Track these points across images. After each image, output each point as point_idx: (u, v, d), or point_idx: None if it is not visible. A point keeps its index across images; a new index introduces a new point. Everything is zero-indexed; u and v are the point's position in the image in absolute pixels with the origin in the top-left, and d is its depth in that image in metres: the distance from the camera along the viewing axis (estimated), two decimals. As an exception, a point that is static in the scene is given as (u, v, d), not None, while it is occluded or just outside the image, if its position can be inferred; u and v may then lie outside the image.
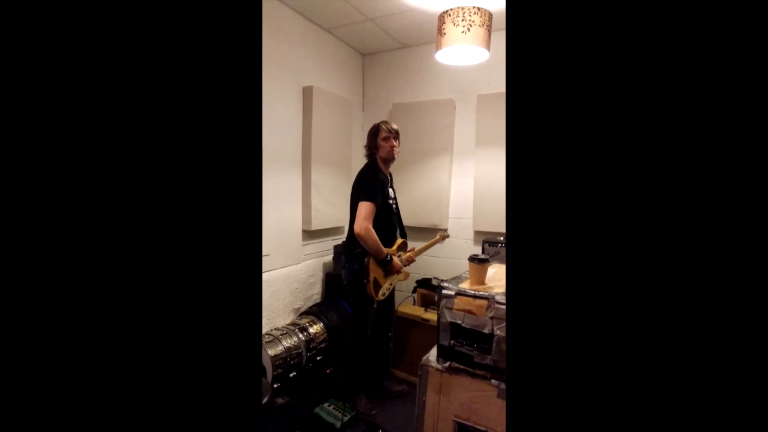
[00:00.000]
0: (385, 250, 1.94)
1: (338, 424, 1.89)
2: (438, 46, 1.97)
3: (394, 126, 1.99)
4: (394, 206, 2.04)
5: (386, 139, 1.95)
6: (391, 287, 2.09)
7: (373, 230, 1.85)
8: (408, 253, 2.11)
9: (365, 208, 1.83)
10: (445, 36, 1.90)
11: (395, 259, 1.99)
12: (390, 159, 2.00)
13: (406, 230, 2.19)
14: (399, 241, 2.06)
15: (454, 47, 1.90)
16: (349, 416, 1.94)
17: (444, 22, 1.90)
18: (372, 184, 1.88)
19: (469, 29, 1.84)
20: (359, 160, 3.20)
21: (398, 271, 2.01)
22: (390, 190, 2.05)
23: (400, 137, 2.04)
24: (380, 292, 2.00)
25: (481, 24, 1.85)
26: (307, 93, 2.59)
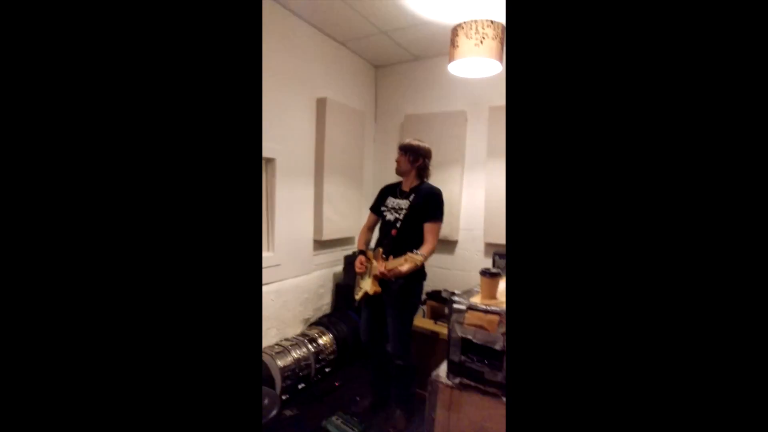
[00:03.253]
0: (360, 248, 2.10)
1: (346, 438, 1.87)
2: (451, 58, 1.97)
3: (406, 141, 2.02)
4: (387, 216, 2.03)
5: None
6: (361, 292, 2.02)
7: (362, 231, 2.17)
8: (376, 263, 1.91)
9: None
10: (458, 48, 1.90)
11: (359, 257, 2.03)
12: (397, 173, 2.07)
13: (402, 244, 1.89)
14: (380, 250, 1.95)
15: (466, 59, 1.90)
16: (358, 430, 1.92)
17: (457, 35, 1.90)
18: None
19: (482, 42, 1.84)
20: (371, 171, 3.22)
21: (357, 272, 2.05)
22: (393, 200, 2.05)
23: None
24: (354, 291, 2.10)
25: (494, 37, 1.85)
26: (321, 104, 2.62)
